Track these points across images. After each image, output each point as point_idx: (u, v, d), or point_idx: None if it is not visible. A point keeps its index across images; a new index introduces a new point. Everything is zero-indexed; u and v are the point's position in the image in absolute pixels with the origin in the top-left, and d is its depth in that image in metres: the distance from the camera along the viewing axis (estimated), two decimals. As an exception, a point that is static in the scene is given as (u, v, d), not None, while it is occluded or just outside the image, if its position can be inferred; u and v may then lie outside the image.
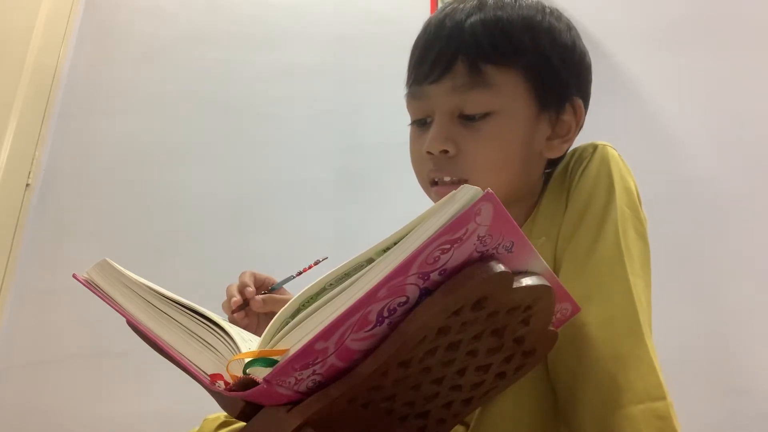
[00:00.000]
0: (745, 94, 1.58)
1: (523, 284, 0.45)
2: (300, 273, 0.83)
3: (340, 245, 1.55)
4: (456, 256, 0.42)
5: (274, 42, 1.86)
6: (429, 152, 0.69)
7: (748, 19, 1.65)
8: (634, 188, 0.68)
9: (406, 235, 0.41)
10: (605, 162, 0.68)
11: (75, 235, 1.67)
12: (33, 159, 1.72)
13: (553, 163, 0.74)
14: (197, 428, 0.75)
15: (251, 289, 0.79)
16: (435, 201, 0.69)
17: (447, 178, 0.69)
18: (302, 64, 1.82)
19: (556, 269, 0.65)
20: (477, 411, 0.61)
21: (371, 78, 1.77)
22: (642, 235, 0.65)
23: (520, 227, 0.69)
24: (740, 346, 1.38)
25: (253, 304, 0.79)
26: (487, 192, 0.41)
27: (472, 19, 0.67)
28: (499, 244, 0.44)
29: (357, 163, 1.70)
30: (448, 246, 0.41)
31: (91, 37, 1.91)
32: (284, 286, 0.84)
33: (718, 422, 1.32)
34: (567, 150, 0.73)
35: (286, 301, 0.78)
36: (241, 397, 0.44)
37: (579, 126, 0.72)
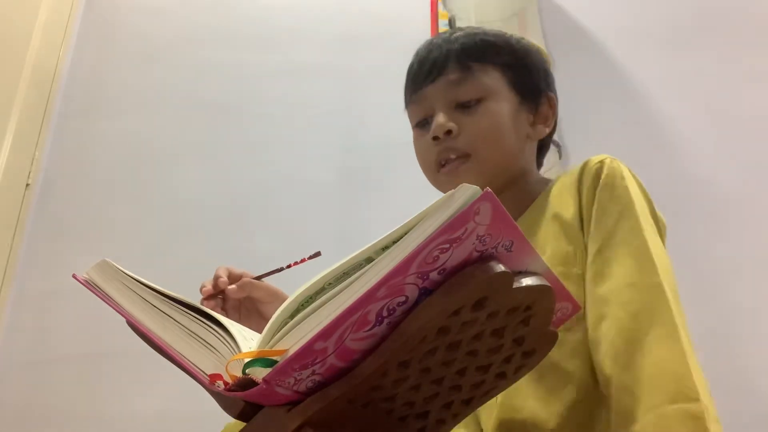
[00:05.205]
0: (745, 94, 1.58)
1: (523, 284, 0.45)
2: (289, 266, 0.83)
3: (341, 245, 1.54)
4: (455, 256, 0.42)
5: (274, 42, 1.86)
6: (435, 137, 0.80)
7: (749, 19, 1.65)
8: (649, 198, 0.75)
9: (405, 233, 0.41)
10: (620, 173, 0.73)
11: (75, 235, 1.66)
12: (33, 159, 1.72)
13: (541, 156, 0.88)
14: None
15: (224, 279, 0.80)
16: (444, 184, 0.81)
17: (453, 155, 0.80)
18: (303, 64, 1.82)
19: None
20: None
21: (372, 78, 1.77)
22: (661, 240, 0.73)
23: (517, 216, 0.75)
24: (740, 346, 1.38)
25: (229, 293, 0.80)
26: (486, 191, 0.41)
27: (457, 36, 0.84)
28: (498, 244, 0.44)
29: (358, 163, 1.70)
30: (447, 245, 0.40)
31: (91, 37, 1.91)
32: (270, 278, 0.84)
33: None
34: (548, 133, 0.86)
35: (262, 284, 0.81)
36: (241, 397, 0.44)
37: (555, 115, 0.87)
